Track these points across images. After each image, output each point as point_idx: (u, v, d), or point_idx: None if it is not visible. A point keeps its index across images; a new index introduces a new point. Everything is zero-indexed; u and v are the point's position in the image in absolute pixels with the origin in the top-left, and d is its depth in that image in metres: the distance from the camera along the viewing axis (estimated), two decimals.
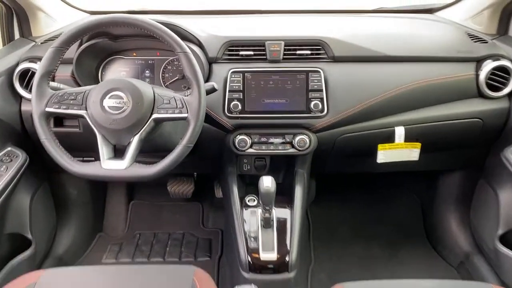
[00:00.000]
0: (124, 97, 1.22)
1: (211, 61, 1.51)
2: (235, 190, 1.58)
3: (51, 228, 1.87)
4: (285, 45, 1.49)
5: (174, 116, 1.24)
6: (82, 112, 1.23)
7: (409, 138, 1.56)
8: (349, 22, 1.79)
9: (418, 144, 1.59)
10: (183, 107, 1.23)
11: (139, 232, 2.18)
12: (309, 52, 1.50)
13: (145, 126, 1.22)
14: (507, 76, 1.56)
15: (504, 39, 1.69)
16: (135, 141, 1.23)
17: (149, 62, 1.59)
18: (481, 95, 1.58)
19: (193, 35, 1.51)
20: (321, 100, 1.46)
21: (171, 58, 1.57)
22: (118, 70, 1.58)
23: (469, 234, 1.92)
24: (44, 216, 1.80)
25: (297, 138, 1.50)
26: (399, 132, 1.55)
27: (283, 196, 1.55)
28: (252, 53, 1.50)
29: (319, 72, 1.47)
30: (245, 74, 1.47)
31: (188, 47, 1.26)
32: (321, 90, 1.46)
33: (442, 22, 1.82)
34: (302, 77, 1.47)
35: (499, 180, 1.66)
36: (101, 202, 2.25)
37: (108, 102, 1.22)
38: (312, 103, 1.46)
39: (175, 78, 1.58)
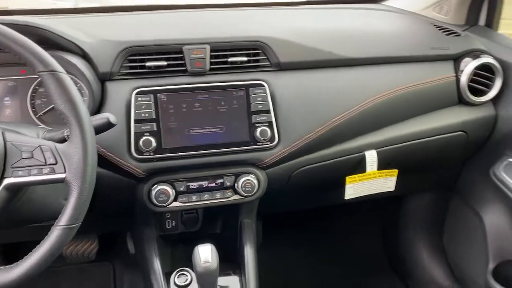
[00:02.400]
0: None
1: (103, 78, 1.05)
2: (156, 264, 1.12)
3: None
4: (211, 50, 1.09)
5: (41, 178, 0.78)
6: None
7: (381, 163, 1.23)
8: (289, 16, 1.38)
9: (395, 171, 1.27)
10: (56, 162, 0.78)
11: None
12: (245, 58, 1.11)
13: None
14: (491, 76, 1.26)
15: (477, 30, 1.41)
16: None
17: (9, 84, 1.10)
18: (462, 101, 1.30)
19: (72, 42, 1.02)
20: (269, 124, 1.09)
21: None
22: None
23: (445, 265, 1.63)
24: None
25: (242, 180, 1.10)
26: (371, 157, 1.22)
27: (225, 255, 1.13)
28: (165, 63, 1.07)
29: (263, 85, 1.10)
30: (158, 94, 1.04)
31: (66, 61, 0.95)
32: (268, 111, 1.09)
33: (398, 12, 1.48)
34: (241, 94, 1.09)
35: (483, 202, 1.42)
36: None
37: None
38: (258, 130, 1.07)
39: (51, 106, 1.06)
